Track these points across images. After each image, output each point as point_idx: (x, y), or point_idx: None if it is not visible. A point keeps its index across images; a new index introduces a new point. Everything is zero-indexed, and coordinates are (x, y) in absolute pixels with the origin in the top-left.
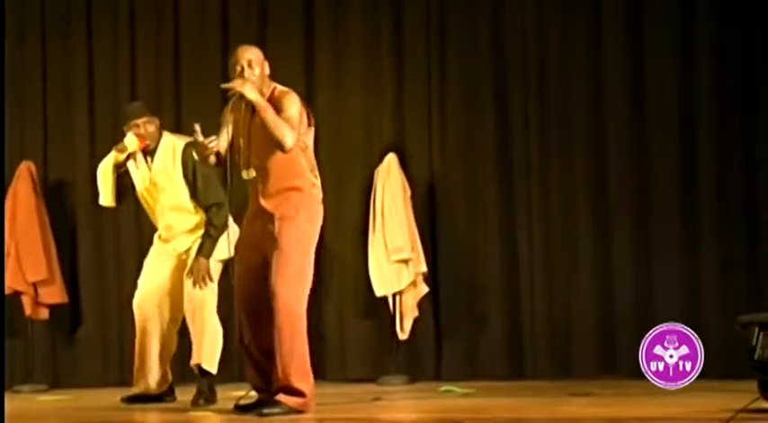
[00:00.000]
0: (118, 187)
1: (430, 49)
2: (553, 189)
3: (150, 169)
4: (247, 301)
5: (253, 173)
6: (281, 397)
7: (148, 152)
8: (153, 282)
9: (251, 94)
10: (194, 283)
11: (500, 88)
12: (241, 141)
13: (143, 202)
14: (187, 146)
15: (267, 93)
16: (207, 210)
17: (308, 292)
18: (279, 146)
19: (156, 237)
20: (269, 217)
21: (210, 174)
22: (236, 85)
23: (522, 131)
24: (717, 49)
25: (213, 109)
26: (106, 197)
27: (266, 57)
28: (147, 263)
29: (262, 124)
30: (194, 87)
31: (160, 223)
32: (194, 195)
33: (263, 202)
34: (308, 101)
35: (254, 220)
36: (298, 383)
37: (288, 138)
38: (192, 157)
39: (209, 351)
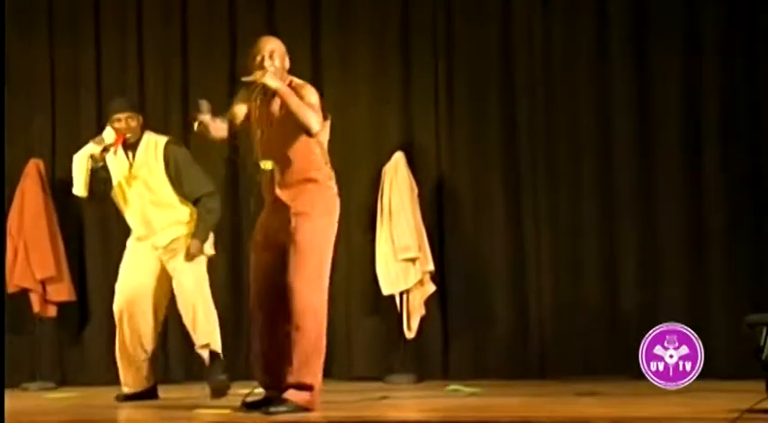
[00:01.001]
0: (97, 181)
1: (437, 48)
2: (560, 188)
3: (132, 164)
4: (264, 298)
5: (269, 164)
6: (290, 394)
7: (129, 147)
8: (135, 284)
9: (273, 82)
10: (186, 258)
11: (507, 87)
12: (258, 133)
13: (119, 197)
14: (168, 143)
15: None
16: (197, 201)
17: (326, 286)
18: (305, 130)
19: (129, 241)
20: (285, 210)
21: (194, 166)
22: (257, 76)
23: (530, 131)
24: (722, 50)
25: (221, 105)
26: (78, 187)
27: None
28: (124, 266)
29: (282, 114)
30: (202, 85)
31: (136, 220)
32: (181, 190)
33: (279, 192)
34: None
35: (269, 215)
36: (309, 379)
37: (313, 121)
38: (174, 154)
39: (211, 330)
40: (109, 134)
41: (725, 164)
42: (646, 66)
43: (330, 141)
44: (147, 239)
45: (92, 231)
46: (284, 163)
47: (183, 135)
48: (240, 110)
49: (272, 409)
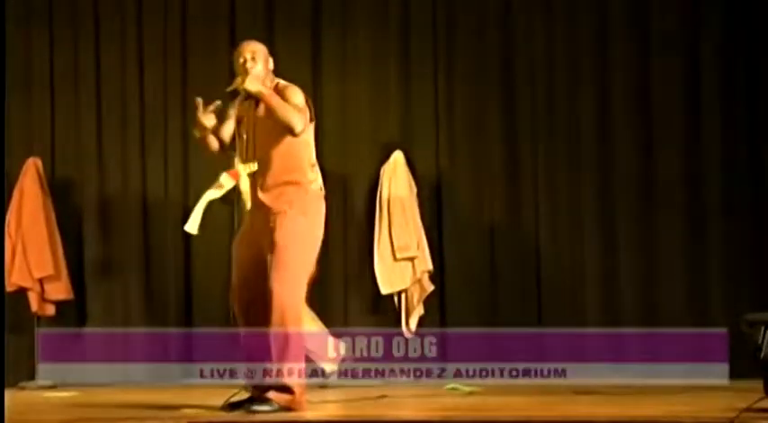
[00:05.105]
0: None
1: (437, 46)
2: (560, 187)
3: None
4: (242, 295)
5: (254, 166)
6: (272, 394)
7: None
8: None
9: (253, 86)
10: None
11: (507, 86)
12: (244, 136)
13: None
14: None
15: (271, 87)
16: None
17: (304, 285)
18: (288, 130)
19: None
20: (266, 211)
21: None
22: (237, 82)
23: (529, 129)
24: (722, 48)
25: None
26: (193, 226)
27: (273, 51)
28: None
29: (266, 116)
30: (202, 81)
31: None
32: None
33: (261, 195)
34: (314, 97)
35: (253, 215)
36: (289, 381)
37: (296, 121)
38: None
39: None
40: (226, 179)
41: (724, 162)
42: (647, 60)
43: (329, 139)
44: None
45: (90, 230)
46: (266, 166)
47: (181, 134)
48: (228, 126)
49: (255, 408)
